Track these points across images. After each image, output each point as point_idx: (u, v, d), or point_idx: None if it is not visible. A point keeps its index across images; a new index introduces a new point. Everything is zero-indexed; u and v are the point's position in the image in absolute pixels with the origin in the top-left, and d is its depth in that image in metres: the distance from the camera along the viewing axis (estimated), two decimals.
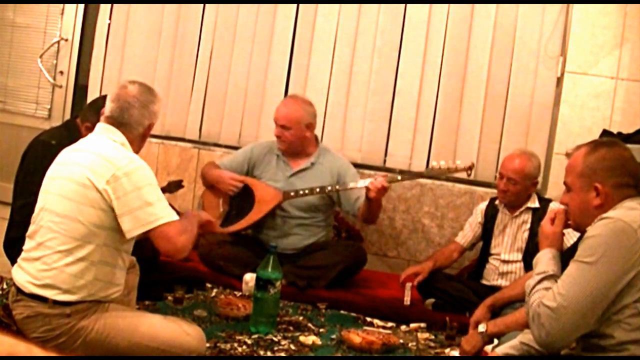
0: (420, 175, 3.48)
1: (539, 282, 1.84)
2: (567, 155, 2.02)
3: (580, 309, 1.70)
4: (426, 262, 3.30)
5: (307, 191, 3.37)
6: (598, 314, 1.71)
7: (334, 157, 3.58)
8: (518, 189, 3.16)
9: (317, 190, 3.35)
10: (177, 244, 2.05)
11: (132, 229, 2.01)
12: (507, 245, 3.23)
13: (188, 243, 2.09)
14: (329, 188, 3.35)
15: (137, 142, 2.20)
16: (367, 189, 3.21)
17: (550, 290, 1.77)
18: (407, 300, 3.18)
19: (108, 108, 2.18)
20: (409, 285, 3.19)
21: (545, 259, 1.90)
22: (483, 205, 3.42)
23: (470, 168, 3.31)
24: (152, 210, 2.02)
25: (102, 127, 2.17)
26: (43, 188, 2.14)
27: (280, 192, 3.44)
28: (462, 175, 3.40)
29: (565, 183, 1.93)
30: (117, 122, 2.15)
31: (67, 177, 2.06)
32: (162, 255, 2.14)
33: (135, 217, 2.00)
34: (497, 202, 3.32)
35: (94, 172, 2.02)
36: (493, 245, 3.28)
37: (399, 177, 3.40)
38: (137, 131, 2.17)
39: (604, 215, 1.78)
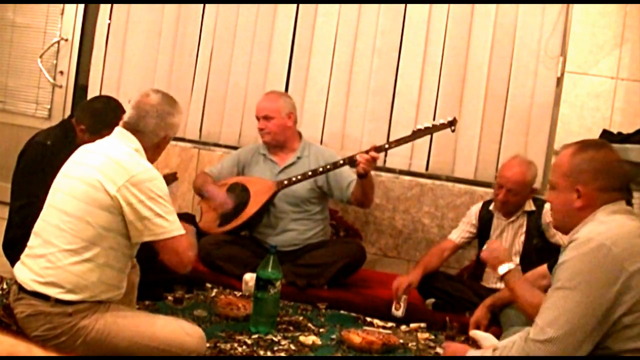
0: (406, 139, 3.38)
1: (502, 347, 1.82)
2: (556, 153, 2.01)
3: (573, 335, 1.67)
4: (416, 270, 3.18)
5: (299, 177, 3.40)
6: (590, 335, 1.68)
7: (319, 149, 3.64)
8: (518, 199, 3.13)
9: (309, 174, 3.37)
10: (184, 259, 2.08)
11: (139, 235, 2.03)
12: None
13: (193, 259, 2.13)
14: (320, 169, 3.36)
15: (152, 151, 2.20)
16: (357, 162, 3.21)
17: (534, 326, 1.74)
18: (402, 312, 3.06)
19: (127, 114, 2.20)
20: (404, 297, 3.07)
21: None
22: (476, 208, 3.36)
23: (452, 123, 3.27)
24: (162, 222, 2.03)
25: (119, 131, 2.18)
26: (54, 185, 2.14)
27: (274, 183, 3.47)
28: (447, 132, 3.34)
29: (550, 181, 1.93)
30: (133, 128, 2.16)
31: (78, 177, 2.07)
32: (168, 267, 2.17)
33: (145, 226, 2.02)
34: (491, 207, 3.28)
35: (106, 176, 2.02)
36: None
37: (387, 146, 3.36)
38: (151, 141, 2.18)
39: (575, 236, 1.77)
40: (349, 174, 3.47)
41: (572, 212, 1.84)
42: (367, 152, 3.22)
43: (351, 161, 3.31)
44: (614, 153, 1.87)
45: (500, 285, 3.16)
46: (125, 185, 2.00)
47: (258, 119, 3.56)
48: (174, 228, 2.05)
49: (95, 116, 2.79)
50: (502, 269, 2.31)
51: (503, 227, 3.22)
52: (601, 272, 1.67)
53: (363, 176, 3.27)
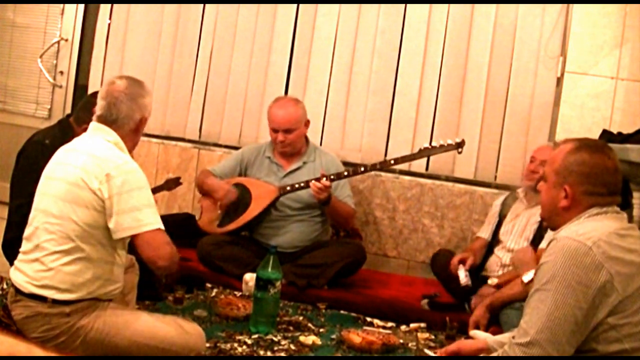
0: (412, 157, 3.42)
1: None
2: (555, 144, 2.00)
3: (553, 337, 1.67)
4: (466, 252, 3.29)
5: (302, 184, 3.40)
6: (571, 337, 1.68)
7: (324, 155, 3.62)
8: None
9: (313, 182, 3.36)
10: (161, 253, 2.03)
11: (118, 230, 2.01)
12: (516, 232, 3.22)
13: (173, 255, 2.06)
14: (325, 179, 3.34)
15: (131, 137, 2.18)
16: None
17: (518, 328, 1.75)
18: (467, 280, 3.11)
19: (98, 106, 2.18)
20: (461, 266, 3.14)
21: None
22: (502, 197, 3.45)
23: (460, 145, 3.31)
24: (139, 216, 2.01)
25: (94, 126, 2.17)
26: (39, 188, 2.14)
27: (276, 187, 3.46)
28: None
29: (544, 171, 1.93)
30: (107, 120, 2.14)
31: (61, 178, 2.07)
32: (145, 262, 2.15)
33: (122, 220, 2.00)
34: (519, 190, 3.33)
35: (87, 172, 2.02)
36: (502, 232, 3.29)
37: (392, 162, 3.39)
38: (128, 126, 2.16)
39: (556, 235, 1.78)
40: (345, 191, 3.51)
41: (558, 210, 1.85)
42: (318, 179, 3.27)
43: (307, 185, 3.36)
44: (610, 159, 1.84)
45: (501, 271, 3.17)
46: (106, 179, 2.00)
47: (275, 130, 3.46)
48: (151, 221, 2.02)
49: (92, 112, 2.79)
50: (527, 277, 2.33)
51: (520, 211, 3.27)
52: (580, 273, 1.67)
53: (323, 203, 3.34)
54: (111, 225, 2.01)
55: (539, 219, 3.16)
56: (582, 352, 1.72)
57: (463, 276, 3.12)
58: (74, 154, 2.11)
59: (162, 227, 2.05)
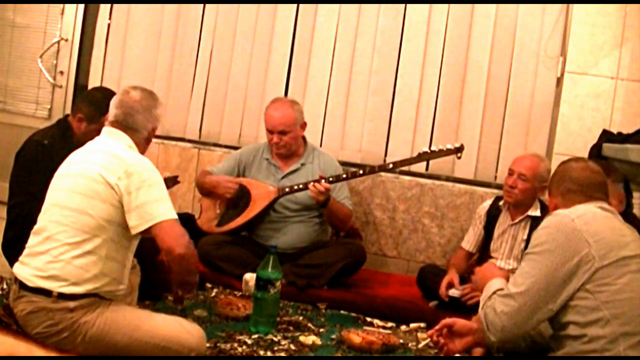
0: (411, 160, 3.42)
1: (494, 292, 2.05)
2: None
3: (532, 295, 1.91)
4: (451, 271, 3.22)
5: (301, 186, 3.40)
6: (548, 299, 1.89)
7: (322, 156, 3.62)
8: (526, 186, 3.09)
9: (311, 184, 3.36)
10: (180, 241, 2.07)
11: (138, 224, 2.06)
12: (505, 251, 3.19)
13: (189, 245, 2.10)
14: (324, 181, 3.34)
15: (142, 145, 2.28)
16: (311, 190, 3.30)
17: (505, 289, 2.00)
18: (461, 292, 3.12)
19: (112, 114, 2.25)
20: (452, 291, 3.12)
21: (499, 282, 2.12)
22: (486, 204, 3.35)
23: (459, 149, 3.30)
24: (158, 206, 2.08)
25: (108, 130, 2.24)
26: (51, 186, 2.18)
27: (275, 188, 3.46)
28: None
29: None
30: (122, 125, 2.23)
31: (78, 173, 2.12)
32: (162, 254, 2.16)
33: (143, 213, 2.06)
34: (501, 202, 3.27)
35: (106, 169, 2.09)
36: (492, 248, 3.25)
37: (391, 166, 3.41)
38: (142, 135, 2.26)
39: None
40: (343, 193, 3.51)
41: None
42: (317, 181, 3.28)
43: (306, 187, 3.36)
44: (577, 163, 2.18)
45: None
46: (125, 175, 2.07)
47: (271, 132, 3.47)
48: (169, 213, 2.09)
49: (93, 104, 2.81)
50: None
51: (506, 227, 3.21)
52: (563, 240, 1.92)
53: (321, 205, 3.35)
54: (131, 220, 2.06)
55: (526, 236, 3.14)
56: (562, 324, 1.92)
57: (458, 294, 3.11)
58: (90, 153, 2.18)
59: (177, 218, 2.12)
